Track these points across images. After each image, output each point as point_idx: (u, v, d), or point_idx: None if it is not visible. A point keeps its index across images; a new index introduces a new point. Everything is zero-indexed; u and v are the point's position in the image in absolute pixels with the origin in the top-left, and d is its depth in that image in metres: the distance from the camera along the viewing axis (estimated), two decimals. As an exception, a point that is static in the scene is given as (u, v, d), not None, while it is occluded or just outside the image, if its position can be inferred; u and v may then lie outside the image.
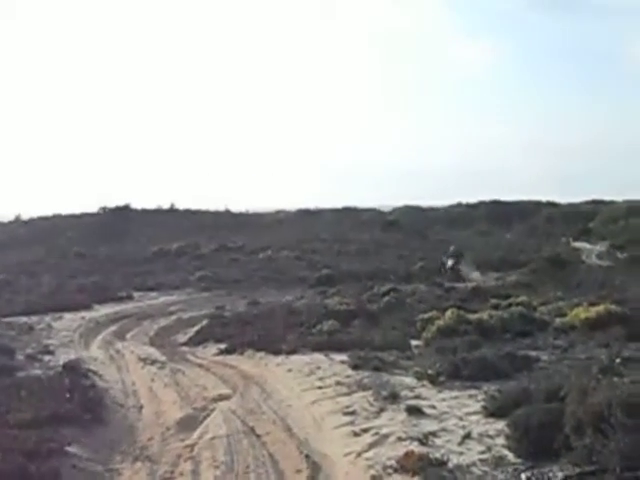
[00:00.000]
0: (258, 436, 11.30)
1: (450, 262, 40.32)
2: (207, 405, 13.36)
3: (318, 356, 16.37)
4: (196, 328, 22.50)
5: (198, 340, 20.40)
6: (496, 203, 76.35)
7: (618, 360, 13.40)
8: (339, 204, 75.80)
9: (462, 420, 10.85)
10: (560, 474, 7.92)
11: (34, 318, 23.12)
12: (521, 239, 58.20)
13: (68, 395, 12.67)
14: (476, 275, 40.41)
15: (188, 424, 12.22)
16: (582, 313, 18.21)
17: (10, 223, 63.22)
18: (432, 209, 79.42)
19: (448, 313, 18.26)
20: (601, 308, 18.30)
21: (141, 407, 13.64)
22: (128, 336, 21.91)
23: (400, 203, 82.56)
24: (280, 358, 16.75)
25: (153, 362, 17.50)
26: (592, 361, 13.48)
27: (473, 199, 79.56)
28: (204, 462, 10.20)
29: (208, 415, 12.65)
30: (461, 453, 9.36)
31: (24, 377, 14.51)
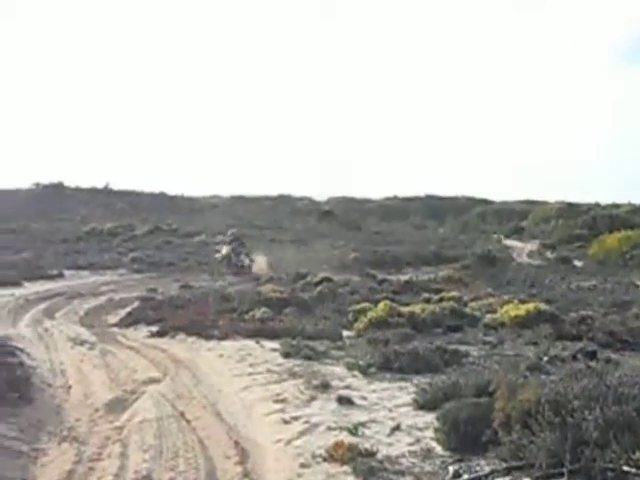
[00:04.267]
0: (188, 421, 11.25)
1: (225, 250, 34.98)
2: (137, 388, 13.24)
3: (250, 343, 16.37)
4: (127, 310, 22.32)
5: (129, 322, 20.25)
6: (431, 198, 77.17)
7: (545, 358, 13.66)
8: (274, 192, 75.82)
9: (392, 412, 10.93)
10: (487, 468, 8.03)
11: (-40, 294, 22.77)
12: (454, 235, 58.84)
13: (-5, 373, 12.50)
14: (261, 264, 36.14)
15: (117, 406, 12.11)
16: (512, 310, 18.45)
17: None
18: (367, 201, 79.83)
19: (380, 305, 18.38)
20: (530, 306, 18.58)
21: (69, 387, 13.47)
22: (58, 315, 21.65)
23: (336, 193, 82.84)
24: (212, 343, 16.71)
25: (83, 342, 17.30)
26: (520, 358, 13.70)
27: (409, 193, 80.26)
28: (132, 445, 10.13)
29: (138, 398, 12.55)
30: (390, 444, 9.44)
31: (-51, 353, 14.27)
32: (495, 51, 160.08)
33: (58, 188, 62.35)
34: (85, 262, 33.62)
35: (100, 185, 65.80)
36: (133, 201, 60.67)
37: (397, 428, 10.09)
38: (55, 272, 29.56)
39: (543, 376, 11.22)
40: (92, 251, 37.73)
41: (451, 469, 8.24)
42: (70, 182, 64.30)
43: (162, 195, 67.03)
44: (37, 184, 63.08)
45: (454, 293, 22.61)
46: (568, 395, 8.24)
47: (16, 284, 25.82)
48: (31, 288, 25.71)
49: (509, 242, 55.72)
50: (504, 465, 8.00)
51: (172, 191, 69.95)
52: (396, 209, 72.93)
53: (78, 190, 63.26)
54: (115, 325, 20.26)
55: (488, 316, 18.77)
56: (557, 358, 13.76)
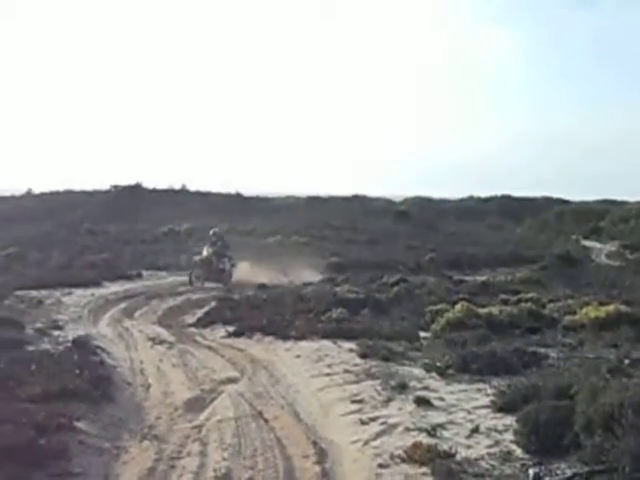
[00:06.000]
0: (266, 420, 11.32)
1: (206, 251, 30.07)
2: (215, 387, 13.39)
3: (327, 343, 16.36)
4: (205, 310, 22.49)
5: (207, 322, 20.39)
6: (507, 198, 76.37)
7: (627, 361, 13.40)
8: (348, 192, 75.63)
9: (470, 413, 10.86)
10: (569, 471, 7.92)
11: (44, 292, 23.14)
12: (531, 235, 58.16)
13: (77, 371, 12.71)
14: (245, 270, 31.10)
15: (196, 405, 12.26)
16: (592, 312, 18.13)
17: (21, 197, 63.39)
18: (443, 201, 79.39)
19: (458, 306, 18.23)
20: (611, 308, 18.22)
21: (149, 386, 13.67)
22: (137, 314, 21.96)
23: (410, 194, 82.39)
24: (289, 343, 16.74)
25: (161, 342, 17.54)
26: (601, 361, 13.47)
27: (485, 193, 79.46)
28: (212, 444, 10.23)
29: (216, 397, 12.68)
30: (469, 446, 9.37)
31: (34, 351, 14.56)
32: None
33: (135, 190, 63.10)
34: (163, 262, 33.97)
35: (177, 186, 66.45)
36: (209, 202, 61.04)
37: (476, 430, 10.02)
38: (134, 272, 29.91)
39: (625, 379, 11.00)
40: (169, 252, 38.08)
41: (531, 472, 8.15)
42: (147, 184, 65.07)
43: (238, 196, 67.38)
44: (115, 186, 63.98)
45: (532, 294, 22.33)
46: (652, 398, 8.08)
47: (96, 284, 26.20)
48: (111, 288, 26.07)
49: (587, 243, 54.96)
50: (586, 469, 7.88)
51: (248, 192, 70.38)
52: (472, 209, 72.33)
53: (155, 191, 63.92)
54: (193, 325, 20.44)
55: (567, 318, 18.47)
56: (638, 361, 13.50)
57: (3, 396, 10.85)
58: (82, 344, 15.42)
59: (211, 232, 31.78)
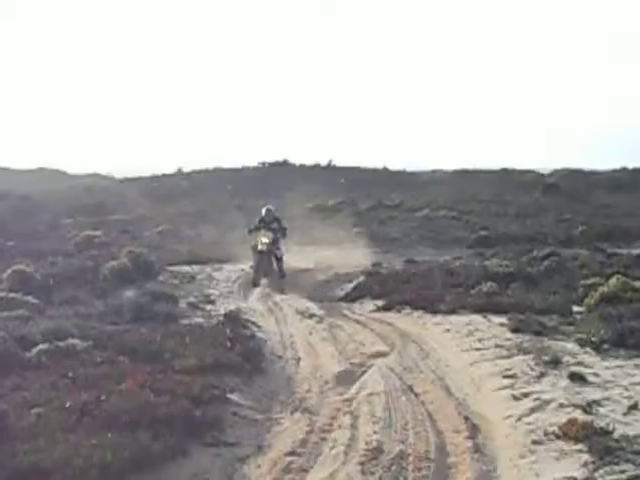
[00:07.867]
0: (416, 394, 11.29)
1: (266, 237, 23.87)
2: (364, 361, 13.41)
3: (477, 317, 16.09)
4: (353, 284, 22.47)
5: (355, 296, 20.44)
6: (663, 168, 73.57)
7: None
8: (496, 165, 74.37)
9: (627, 390, 10.52)
10: None
11: (196, 268, 23.62)
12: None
13: (229, 344, 12.99)
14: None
15: (346, 379, 12.32)
16: None
17: (172, 175, 64.93)
18: (594, 173, 77.17)
19: (612, 280, 17.67)
20: None
21: (299, 360, 13.81)
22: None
23: (560, 165, 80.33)
24: (438, 318, 16.54)
25: (311, 315, 17.63)
26: None
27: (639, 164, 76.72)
28: (362, 417, 10.26)
29: (366, 371, 12.70)
30: (627, 424, 9.09)
31: (188, 325, 14.95)
32: None
33: (283, 166, 63.78)
34: (310, 238, 34.16)
35: (323, 162, 66.79)
36: (356, 177, 61.09)
37: (634, 407, 9.72)
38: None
39: None
40: (317, 227, 38.28)
41: (694, 450, 7.86)
42: (295, 160, 65.68)
43: (384, 170, 67.19)
44: (263, 163, 64.84)
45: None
46: None
47: (246, 260, 26.51)
48: (260, 263, 26.27)
49: None
50: None
51: (394, 166, 70.05)
52: (625, 181, 69.99)
53: (302, 167, 64.42)
54: (341, 299, 20.53)
55: None
56: None
57: (160, 368, 11.19)
58: (233, 318, 15.70)
59: (264, 211, 25.25)
